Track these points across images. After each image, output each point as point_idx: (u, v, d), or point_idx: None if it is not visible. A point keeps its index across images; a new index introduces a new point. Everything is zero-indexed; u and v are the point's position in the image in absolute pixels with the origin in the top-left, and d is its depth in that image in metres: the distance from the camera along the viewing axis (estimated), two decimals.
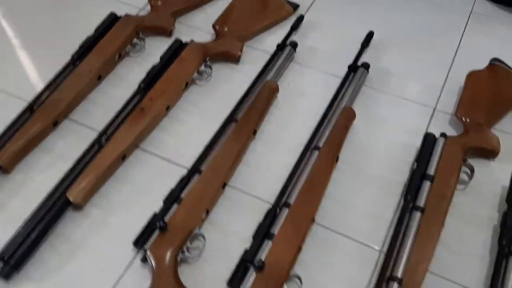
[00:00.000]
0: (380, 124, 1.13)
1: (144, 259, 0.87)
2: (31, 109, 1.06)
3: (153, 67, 1.14)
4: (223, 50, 1.21)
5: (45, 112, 1.06)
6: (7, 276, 0.86)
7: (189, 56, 1.17)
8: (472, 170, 1.01)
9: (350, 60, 1.21)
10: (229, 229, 0.95)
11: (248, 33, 1.28)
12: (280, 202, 0.93)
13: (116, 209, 0.97)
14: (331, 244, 0.93)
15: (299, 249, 0.89)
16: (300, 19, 1.31)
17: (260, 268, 0.83)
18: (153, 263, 0.86)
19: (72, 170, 0.97)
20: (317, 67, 1.24)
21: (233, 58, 1.23)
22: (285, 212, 0.92)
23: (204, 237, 0.91)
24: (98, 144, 1.01)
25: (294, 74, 1.23)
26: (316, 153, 1.00)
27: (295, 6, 1.38)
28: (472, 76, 1.14)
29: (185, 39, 1.21)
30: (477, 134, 1.03)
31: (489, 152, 1.04)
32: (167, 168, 1.03)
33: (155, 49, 1.24)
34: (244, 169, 1.04)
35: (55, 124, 1.08)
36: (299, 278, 0.86)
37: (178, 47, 1.18)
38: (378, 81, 1.21)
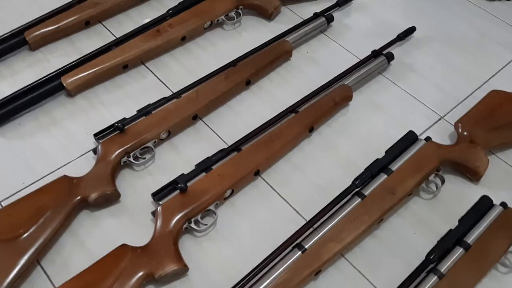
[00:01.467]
0: (376, 112, 1.08)
1: (95, 151, 0.95)
2: (72, 4, 1.19)
3: None
4: (257, 3, 1.24)
5: (81, 9, 1.18)
6: None
7: None
8: (442, 182, 0.93)
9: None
10: (183, 155, 0.99)
11: None
12: (235, 146, 0.95)
13: (100, 106, 1.06)
14: (267, 200, 0.94)
15: (231, 190, 0.91)
16: None
17: (182, 190, 0.87)
18: (99, 155, 0.93)
19: (75, 61, 1.08)
20: (345, 44, 1.22)
21: (265, 14, 1.24)
22: (233, 155, 0.94)
23: (154, 151, 0.97)
24: (108, 48, 1.11)
25: (318, 45, 1.22)
26: (291, 115, 1.00)
27: None
28: (494, 94, 1.04)
29: None
30: (464, 150, 0.95)
31: (471, 172, 0.95)
32: (160, 89, 1.10)
33: None
34: (224, 112, 1.07)
35: (87, 23, 1.19)
36: (215, 214, 0.88)
37: None
38: (397, 74, 1.15)
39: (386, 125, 1.06)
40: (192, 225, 0.86)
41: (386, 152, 0.94)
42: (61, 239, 0.86)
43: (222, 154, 0.94)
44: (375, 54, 1.14)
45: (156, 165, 0.98)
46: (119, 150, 0.94)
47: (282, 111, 1.01)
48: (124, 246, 0.82)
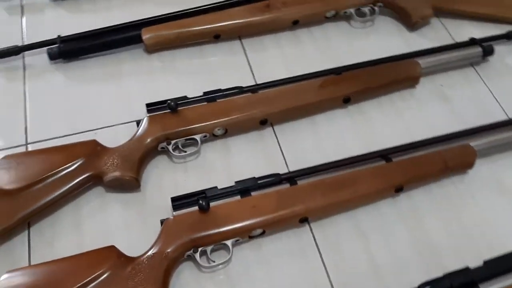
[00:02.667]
0: (500, 197, 0.78)
1: (138, 123, 0.81)
2: None
3: None
4: (402, 6, 0.97)
5: None
6: (52, 57, 0.91)
7: None
8: None
9: None
10: (232, 162, 0.81)
11: (453, 7, 0.98)
12: (291, 176, 0.74)
13: (171, 73, 0.92)
14: (303, 257, 0.72)
15: (262, 230, 0.71)
16: None
17: (202, 208, 0.69)
18: (139, 130, 0.79)
19: (164, 15, 0.93)
20: (496, 90, 0.90)
21: (408, 21, 0.97)
22: (284, 187, 0.73)
23: (199, 145, 0.80)
24: (205, 11, 0.95)
25: (460, 79, 0.92)
26: (381, 162, 0.75)
27: None
28: None
29: None
30: None
31: None
32: (244, 74, 0.92)
33: None
34: (303, 126, 0.85)
35: None
36: (230, 251, 0.69)
37: None
38: None
39: (505, 220, 0.76)
40: (197, 256, 0.69)
41: (485, 262, 0.66)
42: (63, 209, 0.75)
43: (272, 180, 0.74)
44: None
45: (197, 162, 0.81)
46: (161, 133, 0.78)
47: (372, 152, 0.77)
48: (111, 249, 0.68)
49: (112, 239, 0.71)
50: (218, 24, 0.93)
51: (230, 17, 0.93)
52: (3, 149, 0.81)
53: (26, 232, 0.73)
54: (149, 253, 0.67)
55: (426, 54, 0.90)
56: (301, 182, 0.74)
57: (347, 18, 0.99)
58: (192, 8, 0.94)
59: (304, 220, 0.73)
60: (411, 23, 0.97)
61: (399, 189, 0.75)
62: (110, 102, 0.88)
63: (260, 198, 0.72)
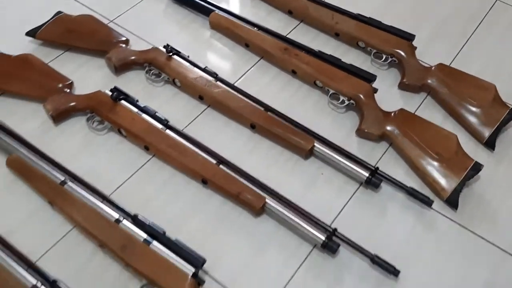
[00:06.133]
0: None
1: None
2: None
3: None
4: (364, 112, 1.14)
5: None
6: None
7: None
8: None
9: None
10: (171, 102, 1.20)
11: (397, 143, 1.11)
12: (170, 127, 1.10)
13: (206, 47, 1.33)
14: (129, 166, 1.09)
15: (125, 131, 1.10)
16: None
17: (111, 97, 1.12)
18: (147, 49, 1.25)
19: (237, 15, 1.34)
20: (351, 208, 1.04)
21: (359, 125, 1.15)
22: (158, 126, 1.10)
23: (160, 80, 1.22)
24: (254, 26, 1.31)
25: (340, 185, 1.07)
26: (215, 162, 1.04)
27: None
28: None
29: None
30: None
31: None
32: (238, 74, 1.27)
33: None
34: (222, 123, 1.17)
35: (290, 12, 1.40)
36: (104, 127, 1.11)
37: None
38: None
39: None
40: (88, 115, 1.14)
41: None
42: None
43: (163, 121, 1.10)
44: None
45: (156, 90, 1.22)
46: (150, 59, 1.23)
47: (217, 154, 1.05)
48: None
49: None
50: (250, 39, 1.29)
51: (261, 40, 1.28)
52: (95, 12, 1.37)
53: None
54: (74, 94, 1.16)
55: (326, 144, 1.08)
56: (168, 132, 1.08)
57: (327, 92, 1.21)
58: (252, 22, 1.31)
59: (147, 148, 1.09)
60: (358, 129, 1.15)
61: (204, 182, 1.04)
62: (171, 34, 1.34)
63: (142, 120, 1.10)
